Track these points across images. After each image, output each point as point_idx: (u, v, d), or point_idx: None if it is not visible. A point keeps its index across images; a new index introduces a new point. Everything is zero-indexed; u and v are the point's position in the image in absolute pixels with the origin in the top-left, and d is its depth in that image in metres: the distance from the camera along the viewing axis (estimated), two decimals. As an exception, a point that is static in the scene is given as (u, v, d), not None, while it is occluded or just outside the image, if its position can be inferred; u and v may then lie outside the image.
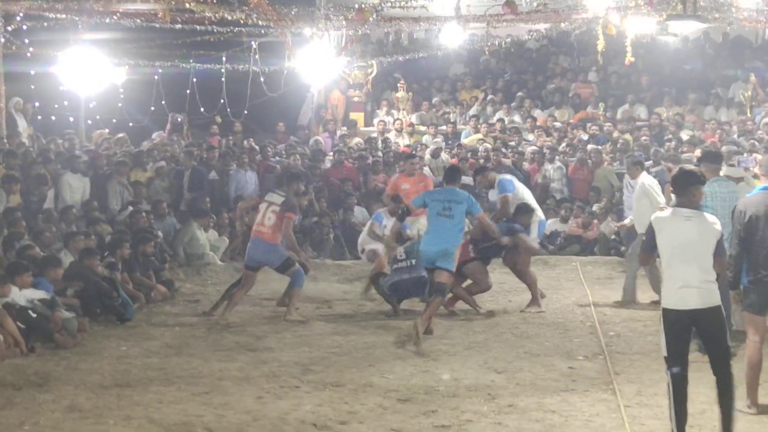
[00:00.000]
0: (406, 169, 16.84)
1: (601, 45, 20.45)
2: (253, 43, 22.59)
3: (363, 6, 18.74)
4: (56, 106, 22.96)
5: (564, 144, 22.24)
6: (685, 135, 22.59)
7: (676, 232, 7.99)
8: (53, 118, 22.96)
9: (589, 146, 21.46)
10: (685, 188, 8.14)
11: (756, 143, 20.67)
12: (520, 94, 26.26)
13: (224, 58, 23.26)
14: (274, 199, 13.52)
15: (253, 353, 11.47)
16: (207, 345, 11.93)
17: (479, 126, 24.02)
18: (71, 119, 22.91)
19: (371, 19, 19.13)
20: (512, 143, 22.44)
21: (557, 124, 24.17)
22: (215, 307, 13.85)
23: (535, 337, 12.29)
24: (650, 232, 8.21)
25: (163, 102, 24.09)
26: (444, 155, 21.90)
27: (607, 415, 8.98)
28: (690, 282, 7.88)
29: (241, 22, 19.59)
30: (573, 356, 11.35)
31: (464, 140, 23.62)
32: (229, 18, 18.65)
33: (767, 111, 23.67)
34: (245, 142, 22.18)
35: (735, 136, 22.11)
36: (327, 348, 11.76)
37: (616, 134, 22.84)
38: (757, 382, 8.98)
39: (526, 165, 21.35)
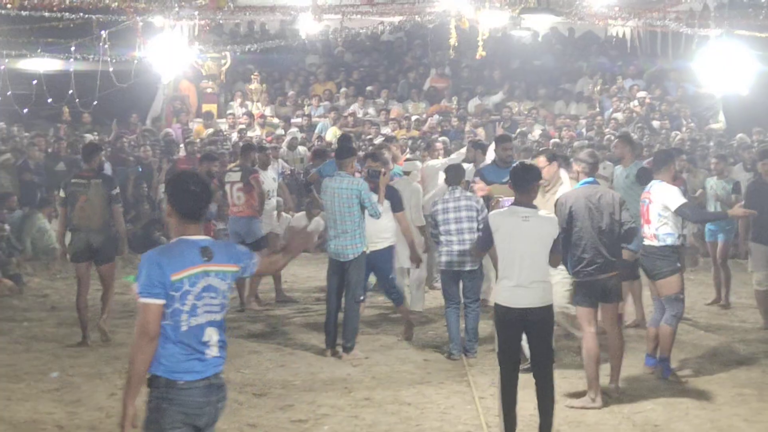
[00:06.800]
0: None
1: (453, 39, 20.54)
2: (102, 32, 22.03)
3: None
4: None
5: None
6: (537, 129, 22.90)
7: (513, 233, 7.82)
8: None
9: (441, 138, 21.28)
10: (525, 185, 7.93)
11: (611, 138, 21.03)
12: (369, 87, 26.28)
13: (73, 48, 22.62)
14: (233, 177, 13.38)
15: (104, 349, 11.25)
16: (57, 340, 11.65)
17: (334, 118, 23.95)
18: None
19: (226, 7, 18.81)
20: (369, 136, 22.30)
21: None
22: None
23: (390, 330, 12.36)
24: (487, 228, 8.06)
25: (9, 93, 23.34)
26: (301, 148, 21.78)
27: (462, 407, 9.07)
28: (523, 282, 7.75)
29: (91, 7, 19.01)
30: (427, 349, 11.45)
31: (321, 133, 23.36)
32: (80, 4, 18.10)
33: (616, 106, 24.21)
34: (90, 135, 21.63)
35: (584, 130, 22.55)
36: (180, 343, 11.58)
37: (468, 127, 22.98)
38: (597, 374, 9.01)
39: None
